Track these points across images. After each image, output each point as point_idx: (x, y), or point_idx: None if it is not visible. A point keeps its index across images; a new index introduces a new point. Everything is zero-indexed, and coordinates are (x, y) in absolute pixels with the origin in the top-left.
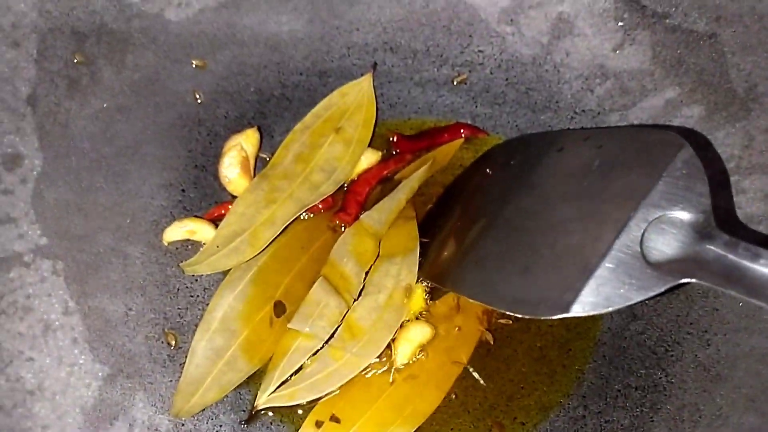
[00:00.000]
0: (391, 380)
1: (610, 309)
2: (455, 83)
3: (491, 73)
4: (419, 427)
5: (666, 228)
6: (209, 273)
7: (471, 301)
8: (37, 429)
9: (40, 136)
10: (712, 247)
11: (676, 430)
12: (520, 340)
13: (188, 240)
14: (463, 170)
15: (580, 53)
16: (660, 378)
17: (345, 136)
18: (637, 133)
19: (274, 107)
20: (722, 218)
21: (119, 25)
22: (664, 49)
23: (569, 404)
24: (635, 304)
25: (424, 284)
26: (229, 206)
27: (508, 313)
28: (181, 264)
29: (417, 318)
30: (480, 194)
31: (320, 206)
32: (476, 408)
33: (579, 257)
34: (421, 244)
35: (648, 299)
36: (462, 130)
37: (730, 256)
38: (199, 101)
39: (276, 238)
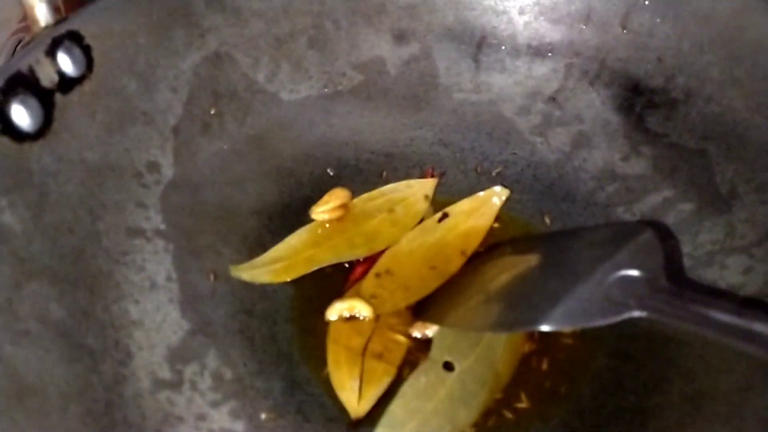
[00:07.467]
0: None
1: (571, 328)
2: (493, 174)
3: (522, 170)
4: None
5: (625, 282)
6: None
7: None
8: (134, 347)
9: (175, 155)
10: (662, 294)
11: None
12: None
13: None
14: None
15: (595, 160)
16: (648, 404)
17: (393, 218)
18: (613, 225)
19: (349, 173)
20: (672, 277)
21: (246, 94)
22: (663, 160)
23: (567, 417)
24: (594, 326)
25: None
26: None
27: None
28: (231, 266)
29: None
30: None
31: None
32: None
33: (549, 296)
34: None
35: (606, 324)
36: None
37: (676, 301)
38: (293, 158)
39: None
